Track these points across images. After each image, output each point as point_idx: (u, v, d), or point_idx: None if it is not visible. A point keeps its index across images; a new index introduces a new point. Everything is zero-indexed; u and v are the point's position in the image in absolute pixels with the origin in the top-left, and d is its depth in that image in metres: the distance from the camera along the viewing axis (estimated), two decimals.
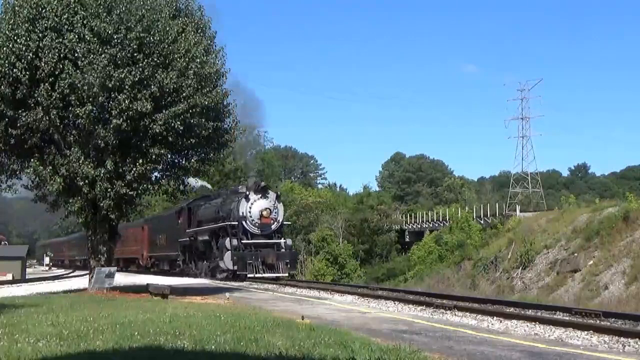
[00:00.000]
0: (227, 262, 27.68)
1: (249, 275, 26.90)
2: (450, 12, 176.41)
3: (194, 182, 48.56)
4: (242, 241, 28.08)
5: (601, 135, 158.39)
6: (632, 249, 25.18)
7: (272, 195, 29.38)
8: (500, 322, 11.92)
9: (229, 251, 27.73)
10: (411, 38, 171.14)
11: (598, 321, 11.91)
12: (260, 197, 28.70)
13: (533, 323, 11.45)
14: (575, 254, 28.01)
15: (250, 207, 28.36)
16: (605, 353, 7.96)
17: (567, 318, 12.51)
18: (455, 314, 13.50)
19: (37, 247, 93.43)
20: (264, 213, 28.34)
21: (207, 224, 31.88)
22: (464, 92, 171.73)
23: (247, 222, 28.30)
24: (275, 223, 28.85)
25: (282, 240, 28.93)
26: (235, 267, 27.27)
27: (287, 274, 28.07)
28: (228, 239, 28.11)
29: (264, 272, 27.07)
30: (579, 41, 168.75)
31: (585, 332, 10.11)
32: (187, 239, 34.40)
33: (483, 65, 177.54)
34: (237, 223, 28.27)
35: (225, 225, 28.89)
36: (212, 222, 31.30)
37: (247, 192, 28.86)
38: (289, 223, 33.68)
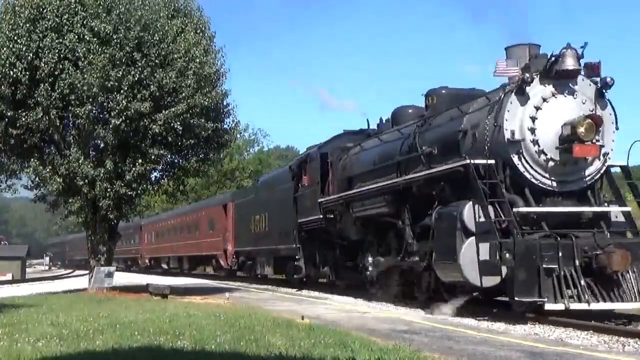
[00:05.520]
0: (467, 267, 10.79)
1: (547, 307, 10.41)
2: (452, 12, 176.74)
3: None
4: (518, 209, 11.05)
5: None
6: None
7: (588, 86, 11.63)
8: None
9: (473, 237, 10.84)
10: (411, 38, 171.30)
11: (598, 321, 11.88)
12: (559, 91, 11.42)
13: (533, 323, 11.44)
14: None
15: (534, 118, 11.31)
16: (605, 353, 7.95)
17: (567, 318, 12.48)
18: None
19: (47, 245, 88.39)
20: (581, 131, 10.93)
21: (376, 179, 14.80)
22: None
23: (526, 156, 11.30)
24: (598, 160, 11.59)
25: (612, 208, 11.94)
26: (498, 280, 10.60)
27: None
28: (469, 204, 11.06)
29: (591, 299, 10.45)
30: (579, 42, 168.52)
31: (585, 332, 10.09)
32: (319, 217, 17.71)
33: (485, 65, 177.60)
34: (494, 161, 11.27)
35: (460, 167, 11.60)
36: (390, 172, 14.43)
37: (525, 77, 11.22)
38: (624, 165, 12.55)
